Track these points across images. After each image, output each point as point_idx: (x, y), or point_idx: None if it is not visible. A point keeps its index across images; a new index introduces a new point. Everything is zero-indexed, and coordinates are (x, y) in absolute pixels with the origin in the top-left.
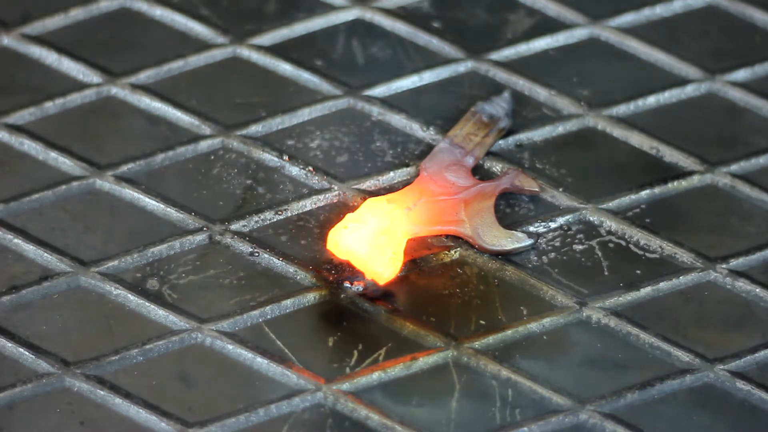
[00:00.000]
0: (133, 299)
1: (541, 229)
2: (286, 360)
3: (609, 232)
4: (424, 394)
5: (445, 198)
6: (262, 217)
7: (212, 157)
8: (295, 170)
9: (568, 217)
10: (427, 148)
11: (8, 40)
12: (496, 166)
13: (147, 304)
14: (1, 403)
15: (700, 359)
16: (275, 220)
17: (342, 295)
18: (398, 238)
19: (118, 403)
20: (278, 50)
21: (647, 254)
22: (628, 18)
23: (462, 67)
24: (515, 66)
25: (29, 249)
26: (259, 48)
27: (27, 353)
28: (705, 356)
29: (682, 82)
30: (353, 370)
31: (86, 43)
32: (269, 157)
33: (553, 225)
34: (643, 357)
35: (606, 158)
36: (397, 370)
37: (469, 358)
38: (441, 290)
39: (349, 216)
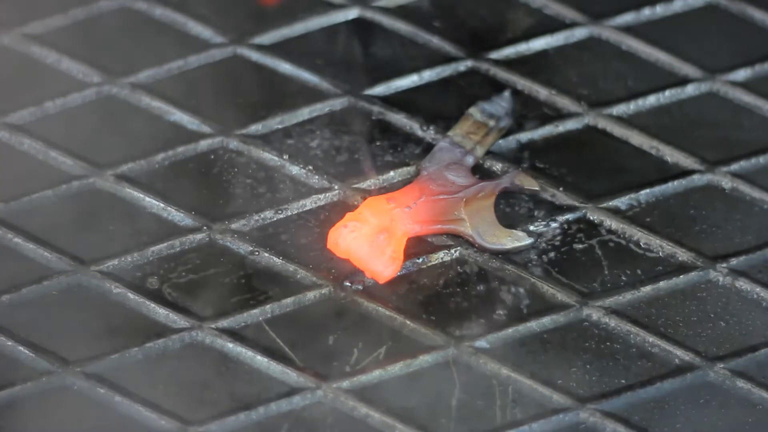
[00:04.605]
0: (133, 298)
1: (541, 229)
2: (286, 358)
3: (609, 232)
4: (425, 393)
5: (445, 197)
6: (262, 216)
7: (212, 157)
8: (295, 169)
9: (568, 217)
10: (427, 148)
11: (8, 40)
12: (496, 166)
13: (147, 302)
14: (1, 402)
15: (700, 358)
16: (275, 219)
17: (342, 294)
18: (398, 237)
19: (118, 401)
20: (278, 50)
21: (647, 253)
22: (628, 17)
23: (462, 67)
24: (515, 65)
25: (29, 248)
26: (259, 48)
27: (27, 352)
28: (705, 355)
29: (682, 81)
30: (353, 369)
31: (86, 43)
32: (269, 157)
33: (553, 224)
34: (644, 356)
35: (606, 158)
36: (397, 368)
37: (469, 356)
38: (441, 289)
39: (349, 215)
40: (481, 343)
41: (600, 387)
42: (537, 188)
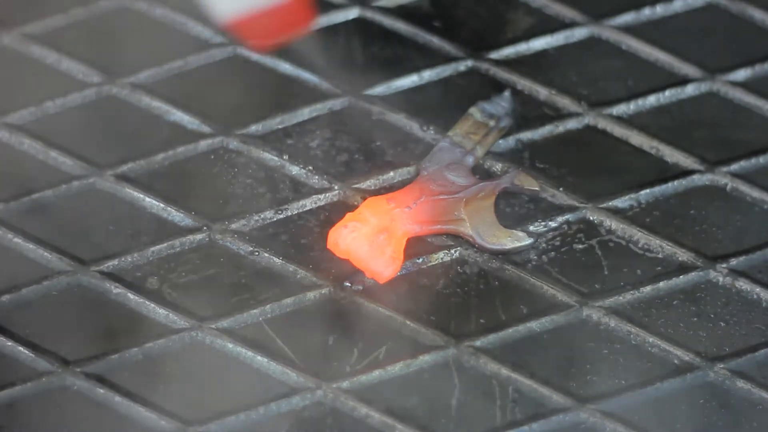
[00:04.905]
0: (133, 298)
1: (541, 229)
2: (286, 358)
3: (609, 232)
4: (424, 393)
5: (445, 197)
6: (262, 216)
7: (212, 157)
8: (295, 169)
9: (568, 217)
10: (427, 148)
11: (8, 40)
12: (496, 166)
13: (147, 302)
14: (1, 402)
15: (700, 358)
16: (275, 219)
17: (342, 294)
18: (398, 237)
19: (118, 401)
20: (278, 50)
21: (647, 254)
22: (628, 17)
23: (462, 66)
24: (515, 65)
25: (29, 248)
26: None
27: (27, 352)
28: (705, 355)
29: (682, 81)
30: (353, 369)
31: (86, 43)
32: (269, 157)
33: (553, 224)
34: (643, 356)
35: (606, 158)
36: (397, 368)
37: (469, 356)
38: (441, 289)
39: (349, 215)
40: (481, 343)
41: (600, 387)
42: (537, 188)
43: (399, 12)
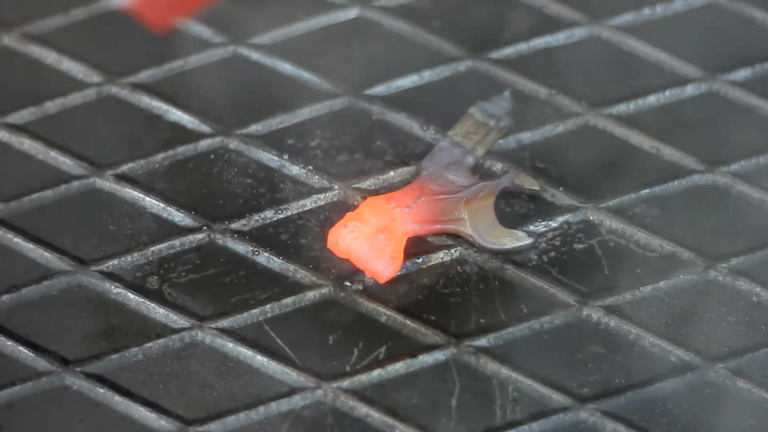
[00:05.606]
0: (132, 298)
1: (541, 228)
2: (286, 358)
3: (609, 231)
4: (424, 392)
5: (445, 197)
6: (262, 216)
7: (212, 157)
8: (295, 169)
9: (569, 216)
10: (427, 148)
11: (8, 40)
12: (497, 165)
13: (147, 302)
14: (1, 402)
15: (700, 358)
16: (275, 219)
17: (342, 294)
18: (398, 236)
19: (118, 401)
20: (278, 50)
21: (647, 253)
22: (628, 17)
23: (462, 66)
24: (515, 65)
25: (29, 248)
26: (259, 47)
27: (26, 352)
28: (705, 355)
29: (682, 81)
30: (353, 368)
31: (86, 43)
32: (269, 157)
33: (553, 224)
34: (643, 355)
35: (606, 158)
36: (397, 368)
37: (469, 356)
38: (441, 289)
39: (349, 215)
40: (481, 343)
41: (600, 387)
42: (537, 188)
43: (399, 12)
